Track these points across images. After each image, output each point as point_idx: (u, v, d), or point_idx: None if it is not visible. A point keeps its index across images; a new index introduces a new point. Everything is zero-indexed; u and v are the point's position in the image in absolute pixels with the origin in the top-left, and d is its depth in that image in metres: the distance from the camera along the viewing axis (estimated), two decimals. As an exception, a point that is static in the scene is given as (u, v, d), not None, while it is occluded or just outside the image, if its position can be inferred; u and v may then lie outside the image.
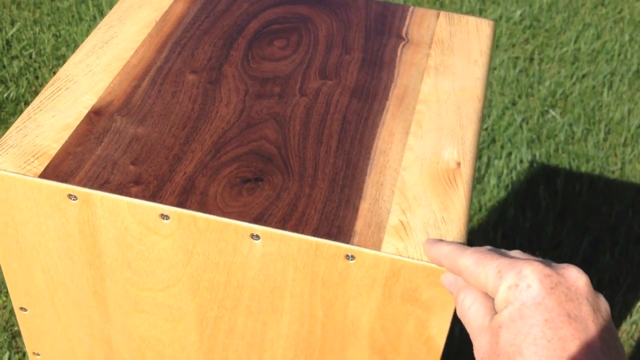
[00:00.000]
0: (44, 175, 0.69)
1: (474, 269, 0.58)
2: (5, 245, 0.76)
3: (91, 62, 0.83)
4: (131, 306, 0.77)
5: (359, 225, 0.67)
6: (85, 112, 0.76)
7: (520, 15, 2.72)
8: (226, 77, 0.82)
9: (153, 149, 0.73)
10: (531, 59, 2.54)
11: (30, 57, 2.44)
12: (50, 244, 0.74)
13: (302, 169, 0.72)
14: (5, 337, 1.68)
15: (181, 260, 0.71)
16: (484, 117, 2.27)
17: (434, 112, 0.80)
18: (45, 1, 2.68)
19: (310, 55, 0.87)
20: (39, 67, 2.41)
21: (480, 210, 2.01)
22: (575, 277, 0.54)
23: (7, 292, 1.77)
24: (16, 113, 2.22)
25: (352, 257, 0.66)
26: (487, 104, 2.31)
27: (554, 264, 0.56)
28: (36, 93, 2.29)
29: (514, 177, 2.11)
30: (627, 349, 1.76)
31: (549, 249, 1.93)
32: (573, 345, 0.51)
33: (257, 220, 0.67)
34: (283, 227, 0.67)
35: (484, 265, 0.57)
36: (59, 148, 0.72)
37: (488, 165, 2.15)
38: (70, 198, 0.69)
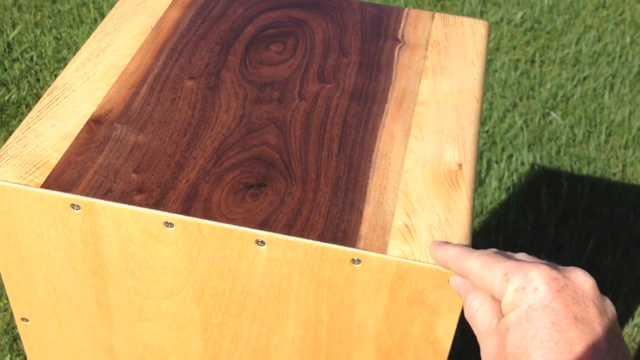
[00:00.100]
0: (46, 185, 0.69)
1: (480, 272, 0.58)
2: (6, 256, 0.75)
3: (88, 70, 0.82)
4: (135, 314, 0.77)
5: (364, 229, 0.67)
6: (85, 120, 0.76)
7: (522, 17, 2.73)
8: (225, 82, 0.82)
9: (155, 156, 0.73)
10: (532, 61, 2.54)
11: (32, 59, 2.44)
12: (52, 254, 0.74)
13: (304, 173, 0.72)
14: (7, 340, 1.68)
15: (185, 268, 0.71)
16: (485, 120, 2.27)
17: (433, 114, 0.80)
18: (47, 4, 2.68)
19: (308, 59, 0.87)
20: (40, 70, 2.41)
21: (481, 212, 2.01)
22: (582, 280, 0.54)
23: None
24: (17, 116, 2.22)
25: (358, 261, 0.66)
26: (488, 106, 2.31)
27: (561, 267, 0.56)
28: (37, 96, 2.29)
29: (515, 180, 2.11)
30: (630, 352, 1.77)
31: (551, 252, 1.93)
32: (580, 348, 0.51)
33: (262, 226, 0.67)
34: (288, 233, 0.66)
35: (490, 268, 0.57)
36: (60, 157, 0.72)
37: (489, 167, 2.15)
38: (73, 208, 0.69)
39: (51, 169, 0.70)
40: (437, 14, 0.96)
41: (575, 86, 2.43)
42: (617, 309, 1.84)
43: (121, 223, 0.69)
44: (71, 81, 0.81)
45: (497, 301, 0.58)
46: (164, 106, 0.79)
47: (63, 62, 2.43)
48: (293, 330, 0.74)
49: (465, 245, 0.64)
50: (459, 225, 0.68)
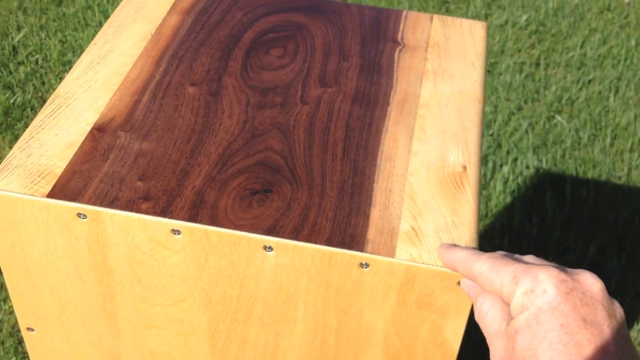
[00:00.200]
0: (52, 194, 0.69)
1: (489, 275, 0.58)
2: (12, 267, 0.75)
3: (89, 78, 0.82)
4: (141, 322, 0.77)
5: (371, 232, 0.68)
6: (88, 129, 0.76)
7: (526, 20, 2.72)
8: (226, 88, 0.82)
9: (159, 164, 0.73)
10: (537, 64, 2.54)
11: (37, 63, 2.45)
12: (58, 263, 0.73)
13: (309, 178, 0.72)
14: (12, 343, 1.68)
15: (193, 275, 0.71)
16: (489, 123, 2.27)
17: (435, 116, 0.81)
18: (52, 7, 2.68)
19: (309, 63, 0.87)
20: (45, 73, 2.41)
21: (486, 216, 2.01)
22: (591, 282, 0.55)
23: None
24: (22, 119, 2.22)
25: (367, 265, 0.66)
26: (493, 109, 2.31)
27: (569, 270, 0.56)
28: (42, 99, 2.29)
29: (520, 183, 2.11)
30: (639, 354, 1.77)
31: (556, 255, 1.93)
32: (589, 350, 0.51)
33: (270, 231, 0.67)
34: (296, 238, 0.67)
35: (499, 270, 0.57)
36: (64, 167, 0.71)
37: (494, 170, 2.14)
38: (80, 217, 0.68)
39: (56, 179, 0.70)
40: (435, 16, 0.96)
41: (581, 89, 2.43)
42: (622, 312, 1.84)
43: (128, 231, 0.69)
44: (73, 89, 0.81)
45: (507, 304, 0.58)
46: (166, 113, 0.79)
47: (68, 65, 2.44)
48: (301, 335, 0.74)
49: (473, 248, 0.64)
50: (466, 228, 0.68)
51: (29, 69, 2.40)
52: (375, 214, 0.69)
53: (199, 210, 0.68)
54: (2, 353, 1.66)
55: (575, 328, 0.52)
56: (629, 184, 2.13)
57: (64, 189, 0.69)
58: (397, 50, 0.90)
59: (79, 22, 2.61)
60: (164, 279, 0.72)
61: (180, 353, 0.79)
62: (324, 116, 0.80)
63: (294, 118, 0.79)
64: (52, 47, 2.50)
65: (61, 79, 2.37)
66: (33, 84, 2.35)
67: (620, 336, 0.53)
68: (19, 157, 0.72)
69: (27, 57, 2.45)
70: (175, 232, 0.68)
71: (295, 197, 0.70)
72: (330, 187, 0.72)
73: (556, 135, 2.26)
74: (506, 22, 2.71)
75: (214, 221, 0.67)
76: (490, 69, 2.48)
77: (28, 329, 0.82)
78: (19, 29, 2.59)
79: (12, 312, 1.74)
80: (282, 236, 0.67)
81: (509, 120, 2.30)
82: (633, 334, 1.81)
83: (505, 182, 2.10)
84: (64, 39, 2.55)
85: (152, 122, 0.77)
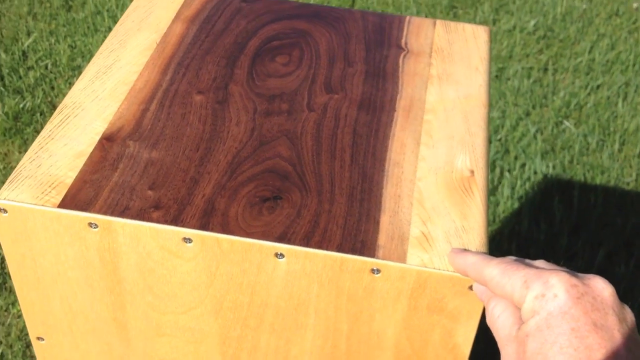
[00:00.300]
0: (63, 205, 0.69)
1: (500, 280, 0.58)
2: (22, 277, 0.75)
3: (97, 87, 0.83)
4: (152, 330, 0.77)
5: (382, 238, 0.68)
6: (97, 138, 0.76)
7: (534, 25, 2.72)
8: (233, 96, 0.83)
9: (169, 172, 0.73)
10: (545, 70, 2.53)
11: (46, 67, 2.46)
12: (69, 273, 0.74)
13: (319, 184, 0.73)
14: (20, 346, 1.68)
15: (204, 282, 0.71)
16: (497, 128, 2.26)
17: (442, 121, 0.81)
18: (61, 12, 2.69)
19: (314, 70, 0.87)
20: (55, 78, 2.42)
21: (494, 221, 2.01)
22: (601, 287, 0.55)
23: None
24: (32, 123, 2.23)
25: (378, 271, 0.66)
26: (501, 114, 2.30)
27: (580, 274, 0.56)
28: (52, 104, 2.30)
29: (528, 189, 2.10)
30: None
31: (564, 261, 1.93)
32: (599, 354, 0.51)
33: (281, 238, 0.67)
34: (307, 245, 0.67)
35: (510, 275, 0.58)
36: (74, 177, 0.72)
37: (502, 176, 2.14)
38: (91, 226, 0.69)
39: (67, 189, 0.70)
40: (438, 21, 0.97)
41: (589, 94, 2.42)
42: (631, 318, 1.83)
43: (139, 240, 0.69)
44: (80, 99, 0.81)
45: (518, 308, 0.58)
46: (174, 121, 0.79)
47: (77, 70, 2.45)
48: (312, 341, 0.74)
49: (484, 253, 0.65)
50: (476, 232, 0.69)
51: (38, 73, 2.42)
52: (385, 219, 0.70)
53: (209, 219, 0.68)
54: (10, 357, 1.66)
55: (586, 332, 0.52)
56: (637, 190, 2.13)
57: (74, 199, 0.69)
58: (402, 55, 0.91)
59: (88, 27, 2.63)
60: (175, 287, 0.72)
61: (190, 361, 0.79)
62: (330, 123, 0.80)
63: (301, 125, 0.79)
64: (62, 52, 2.51)
65: (70, 84, 2.38)
66: (42, 89, 2.36)
67: (631, 341, 0.53)
68: (29, 167, 0.73)
69: (36, 62, 2.46)
70: (187, 240, 0.68)
71: (305, 204, 0.71)
72: (339, 193, 0.72)
73: (564, 140, 2.26)
74: (514, 27, 2.71)
75: (225, 229, 0.68)
76: (498, 74, 2.48)
77: (38, 338, 0.82)
78: (28, 34, 2.60)
79: (20, 316, 1.74)
80: (294, 243, 0.67)
81: (517, 125, 2.30)
82: (641, 338, 1.80)
83: (513, 188, 2.10)
84: (73, 44, 2.56)
85: (160, 131, 0.78)
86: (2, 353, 1.66)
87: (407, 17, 0.97)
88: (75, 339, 0.81)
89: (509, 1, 2.84)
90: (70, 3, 2.75)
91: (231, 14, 0.96)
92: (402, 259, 0.66)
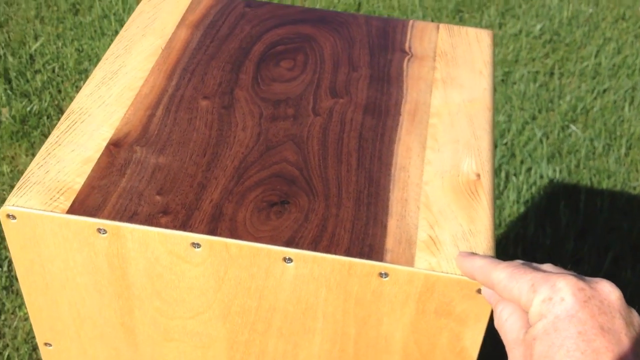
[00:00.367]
0: (72, 210, 0.69)
1: (507, 283, 0.59)
2: (30, 283, 0.75)
3: (103, 93, 0.83)
4: (160, 335, 0.77)
5: (390, 242, 0.68)
6: (104, 144, 0.76)
7: (541, 29, 2.72)
8: (239, 100, 0.83)
9: (177, 177, 0.73)
10: (551, 74, 2.53)
11: (53, 71, 2.47)
12: (77, 279, 0.74)
13: (326, 189, 0.73)
14: (26, 349, 1.69)
15: (212, 287, 0.71)
16: (503, 132, 2.26)
17: (447, 125, 0.81)
18: (68, 16, 2.71)
19: (319, 75, 0.87)
20: (62, 82, 2.44)
21: (500, 226, 2.00)
22: (608, 291, 0.55)
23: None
24: (39, 127, 2.24)
25: (386, 275, 0.67)
26: (507, 118, 2.30)
27: (587, 278, 0.57)
28: (59, 107, 2.31)
29: (534, 193, 2.10)
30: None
31: (570, 266, 1.93)
32: (606, 358, 0.52)
33: (289, 243, 0.67)
34: (315, 249, 0.67)
35: (517, 279, 0.58)
36: (82, 182, 0.72)
37: (507, 180, 2.14)
38: (100, 232, 0.69)
39: (75, 194, 0.71)
40: (441, 25, 0.97)
41: (595, 99, 2.42)
42: (636, 323, 1.82)
43: (148, 245, 0.69)
44: (87, 105, 0.81)
45: (525, 312, 0.58)
46: (181, 127, 0.79)
47: (84, 73, 2.46)
48: (319, 345, 0.74)
49: (491, 256, 0.65)
50: (483, 236, 0.69)
51: (45, 77, 2.43)
52: (392, 223, 0.70)
53: (218, 224, 0.69)
54: None
55: (593, 336, 0.52)
56: (643, 194, 2.13)
57: (83, 205, 0.70)
58: (406, 59, 0.91)
59: (95, 31, 2.64)
60: (183, 292, 0.72)
61: (198, 365, 0.79)
62: (336, 127, 0.80)
63: (307, 129, 0.80)
64: (69, 55, 2.53)
65: (77, 87, 2.39)
66: (49, 92, 2.37)
67: (637, 345, 0.53)
68: (37, 173, 0.73)
69: (43, 65, 2.47)
70: (195, 245, 0.68)
71: (313, 208, 0.71)
72: (346, 197, 0.72)
73: (570, 145, 2.25)
74: (520, 31, 2.71)
75: (233, 234, 0.68)
76: (504, 78, 2.48)
77: (46, 344, 0.82)
78: (36, 37, 2.62)
79: (27, 319, 1.75)
80: (302, 247, 0.67)
81: (523, 129, 2.30)
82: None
83: (519, 192, 2.10)
84: (80, 48, 2.58)
85: (167, 136, 0.78)
86: (8, 356, 1.67)
87: (411, 21, 0.98)
88: (83, 345, 0.81)
89: (515, 5, 2.84)
90: (78, 7, 2.77)
91: (235, 19, 0.96)
92: (410, 262, 0.66)
